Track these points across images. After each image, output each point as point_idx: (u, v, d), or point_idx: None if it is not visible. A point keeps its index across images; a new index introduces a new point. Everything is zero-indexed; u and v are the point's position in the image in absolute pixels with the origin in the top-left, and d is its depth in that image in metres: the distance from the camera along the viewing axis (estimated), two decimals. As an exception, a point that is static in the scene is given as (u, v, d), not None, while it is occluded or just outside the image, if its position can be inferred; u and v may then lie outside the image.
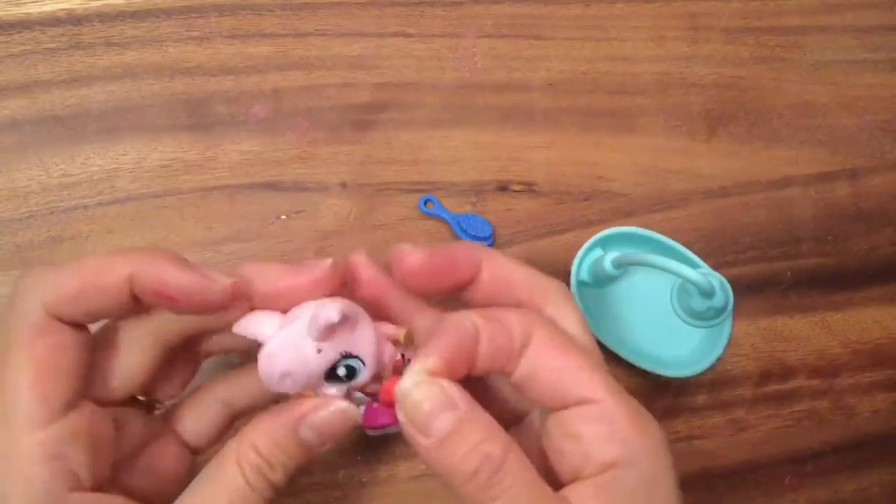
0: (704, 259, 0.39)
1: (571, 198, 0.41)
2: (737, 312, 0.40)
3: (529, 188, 0.41)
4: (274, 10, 0.41)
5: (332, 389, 0.24)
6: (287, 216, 0.39)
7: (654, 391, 0.39)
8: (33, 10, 0.40)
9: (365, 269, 0.25)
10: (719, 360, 0.39)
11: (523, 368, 0.23)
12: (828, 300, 0.42)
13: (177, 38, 0.40)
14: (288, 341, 0.23)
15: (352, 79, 0.41)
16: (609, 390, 0.22)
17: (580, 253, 0.39)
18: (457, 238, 0.39)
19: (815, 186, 0.43)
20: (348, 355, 0.23)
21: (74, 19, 0.40)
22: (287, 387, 0.23)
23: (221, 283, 0.22)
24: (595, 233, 0.39)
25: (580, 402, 0.22)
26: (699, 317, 0.38)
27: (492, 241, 0.40)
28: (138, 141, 0.39)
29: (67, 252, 0.37)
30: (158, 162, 0.39)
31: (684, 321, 0.39)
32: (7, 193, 0.38)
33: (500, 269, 0.25)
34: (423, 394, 0.21)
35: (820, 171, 0.43)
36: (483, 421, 0.21)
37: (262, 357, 0.23)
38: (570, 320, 0.24)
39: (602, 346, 0.38)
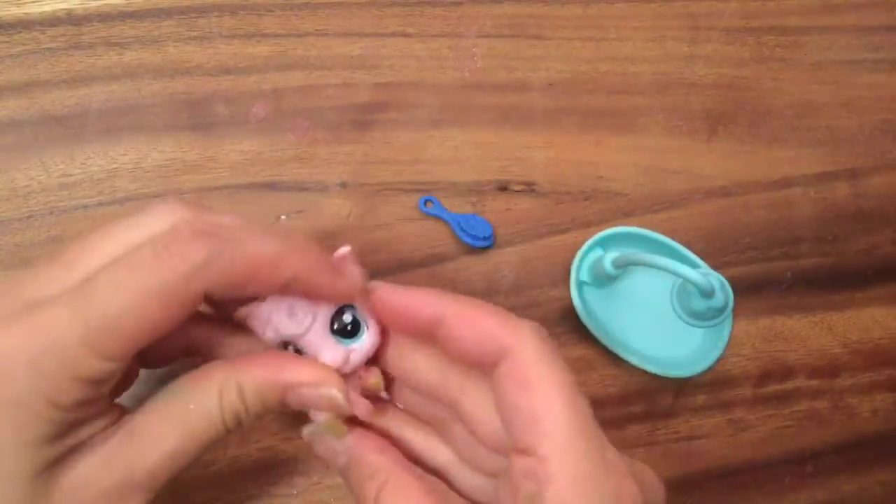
0: (704, 259, 0.39)
1: (571, 198, 0.41)
2: (737, 312, 0.40)
3: (529, 188, 0.41)
4: (274, 10, 0.41)
5: (331, 353, 0.24)
6: (287, 216, 0.39)
7: (654, 391, 0.39)
8: (33, 10, 0.40)
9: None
10: (719, 360, 0.39)
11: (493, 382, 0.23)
12: (828, 300, 0.42)
13: (177, 38, 0.40)
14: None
15: (352, 79, 0.41)
16: (560, 446, 0.20)
17: (580, 253, 0.39)
18: (457, 238, 0.39)
19: (815, 186, 0.43)
20: (350, 306, 0.24)
21: (74, 19, 0.40)
22: (295, 326, 0.24)
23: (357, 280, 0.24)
24: (595, 233, 0.39)
25: (522, 451, 0.21)
26: (699, 317, 0.38)
27: (492, 241, 0.40)
28: (138, 141, 0.39)
29: (67, 252, 0.37)
30: (158, 162, 0.39)
31: (684, 321, 0.39)
32: (7, 193, 0.38)
33: (465, 316, 0.23)
34: (324, 443, 0.25)
35: (820, 171, 0.43)
36: (368, 463, 0.24)
37: (266, 302, 0.23)
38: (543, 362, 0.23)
39: (602, 346, 0.38)
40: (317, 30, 0.41)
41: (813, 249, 0.42)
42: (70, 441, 0.21)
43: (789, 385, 0.41)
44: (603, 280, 0.39)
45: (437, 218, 0.40)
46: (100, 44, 0.40)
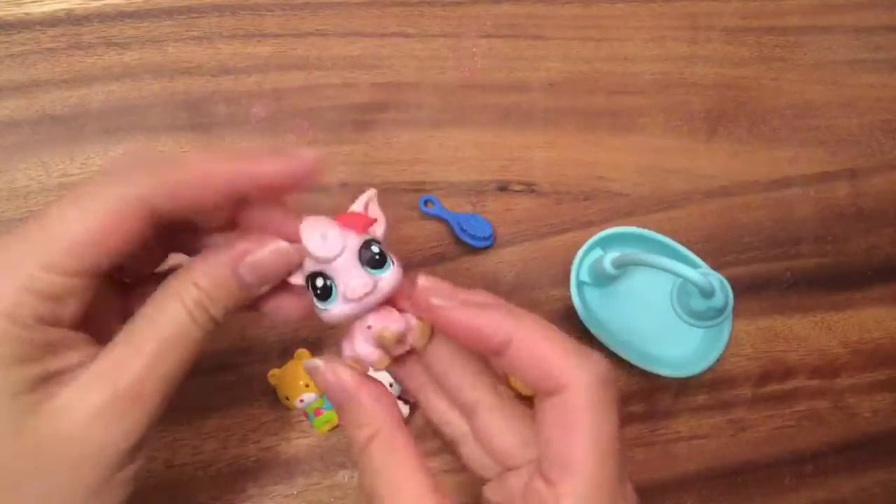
0: (704, 259, 0.39)
1: (571, 198, 0.41)
2: (737, 312, 0.40)
3: (529, 188, 0.41)
4: (274, 10, 0.41)
5: (361, 278, 0.25)
6: (287, 216, 0.39)
7: (654, 391, 0.39)
8: (33, 10, 0.40)
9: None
10: (719, 360, 0.39)
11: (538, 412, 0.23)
12: (828, 300, 0.42)
13: (177, 38, 0.40)
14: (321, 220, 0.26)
15: (352, 79, 0.41)
16: (578, 492, 0.21)
17: (580, 253, 0.39)
18: (457, 238, 0.39)
19: (815, 186, 0.43)
20: (376, 241, 0.26)
21: (74, 19, 0.40)
22: (328, 249, 0.25)
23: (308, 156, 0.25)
24: (595, 233, 0.39)
25: (545, 478, 0.22)
26: (699, 317, 0.38)
27: (492, 241, 0.40)
28: (138, 141, 0.39)
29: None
30: (158, 162, 0.39)
31: (684, 321, 0.39)
32: (7, 193, 0.38)
33: (532, 345, 0.23)
34: (321, 376, 0.25)
35: (820, 171, 0.43)
36: (362, 407, 0.24)
37: (306, 221, 0.25)
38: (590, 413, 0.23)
39: (602, 346, 0.38)
40: (317, 30, 0.41)
41: (813, 249, 0.42)
42: (47, 366, 0.22)
43: (789, 385, 0.41)
44: (603, 280, 0.39)
45: (437, 218, 0.40)
46: (100, 44, 0.40)
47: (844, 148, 0.44)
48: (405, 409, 0.37)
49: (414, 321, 0.26)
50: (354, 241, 0.25)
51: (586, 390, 0.22)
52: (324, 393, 0.25)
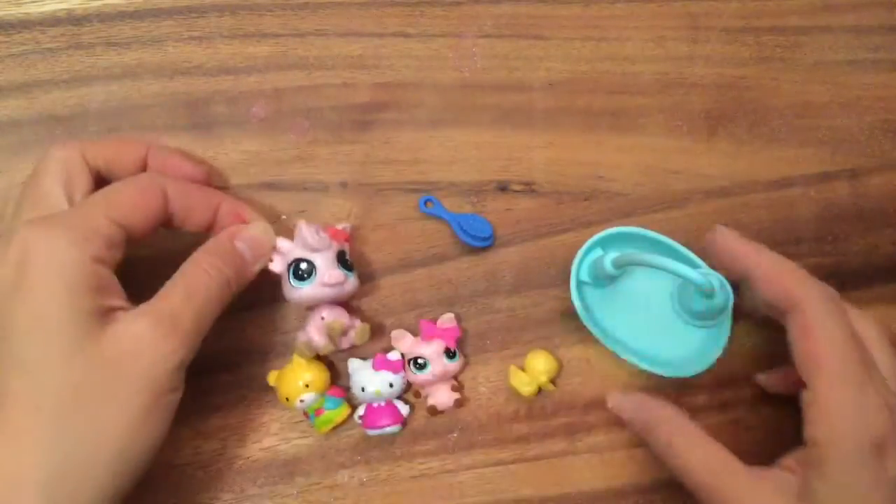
0: (704, 259, 0.39)
1: (571, 198, 0.41)
2: (737, 312, 0.40)
3: (529, 188, 0.41)
4: (274, 10, 0.41)
5: (336, 273, 0.34)
6: (287, 216, 0.39)
7: (654, 391, 0.39)
8: (33, 10, 0.40)
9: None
10: (719, 360, 0.39)
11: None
12: (828, 300, 0.42)
13: (177, 38, 0.40)
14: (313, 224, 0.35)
15: (352, 79, 0.41)
16: (827, 383, 0.29)
17: (580, 253, 0.39)
18: (457, 238, 0.39)
19: (815, 186, 0.43)
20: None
21: (74, 19, 0.40)
22: (320, 242, 0.33)
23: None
24: (595, 233, 0.39)
25: (803, 383, 0.31)
26: (699, 317, 0.38)
27: (492, 241, 0.40)
28: (138, 141, 0.39)
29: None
30: (158, 162, 0.39)
31: (684, 321, 0.39)
32: (7, 193, 0.38)
33: (772, 270, 0.32)
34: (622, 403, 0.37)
35: (820, 171, 0.43)
36: (653, 414, 0.35)
37: (301, 222, 0.34)
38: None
39: (602, 346, 0.38)
40: (317, 30, 0.41)
41: (813, 249, 0.42)
42: (102, 301, 0.28)
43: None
44: (603, 280, 0.39)
45: (437, 218, 0.40)
46: (100, 44, 0.40)
47: (844, 148, 0.44)
48: (405, 409, 0.37)
49: (358, 323, 0.35)
50: (335, 244, 0.34)
51: (816, 304, 0.30)
52: (625, 422, 0.36)
